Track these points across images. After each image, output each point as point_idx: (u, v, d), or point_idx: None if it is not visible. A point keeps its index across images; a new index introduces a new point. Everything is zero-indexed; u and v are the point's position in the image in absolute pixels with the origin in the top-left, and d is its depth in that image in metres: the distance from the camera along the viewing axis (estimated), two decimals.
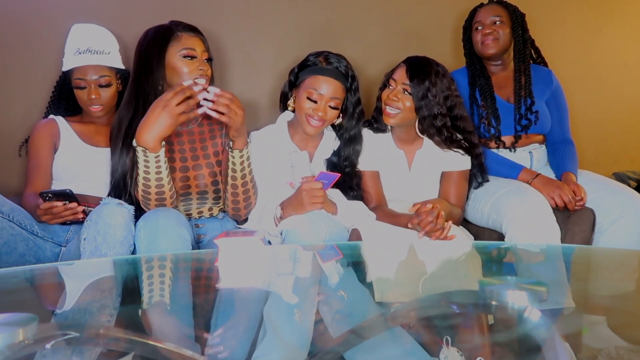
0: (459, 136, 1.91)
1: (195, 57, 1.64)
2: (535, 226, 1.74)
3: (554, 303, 1.02)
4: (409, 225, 1.68)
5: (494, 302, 0.92)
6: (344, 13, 2.31)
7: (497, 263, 1.45)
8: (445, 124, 1.85)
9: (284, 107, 1.87)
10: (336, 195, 1.73)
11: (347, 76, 1.77)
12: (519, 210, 1.76)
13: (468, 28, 2.18)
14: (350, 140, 1.85)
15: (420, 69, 1.82)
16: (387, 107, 1.85)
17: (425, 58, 1.88)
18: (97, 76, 1.79)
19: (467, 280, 1.27)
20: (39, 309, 1.05)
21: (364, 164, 1.90)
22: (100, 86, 1.80)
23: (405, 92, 1.82)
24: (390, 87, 1.86)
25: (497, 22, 2.08)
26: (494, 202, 1.88)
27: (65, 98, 1.91)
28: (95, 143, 1.83)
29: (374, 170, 1.92)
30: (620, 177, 2.42)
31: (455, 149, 1.91)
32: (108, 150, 1.72)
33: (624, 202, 1.89)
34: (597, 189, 1.96)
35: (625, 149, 2.70)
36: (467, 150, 1.93)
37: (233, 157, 1.58)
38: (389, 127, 1.94)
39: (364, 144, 1.90)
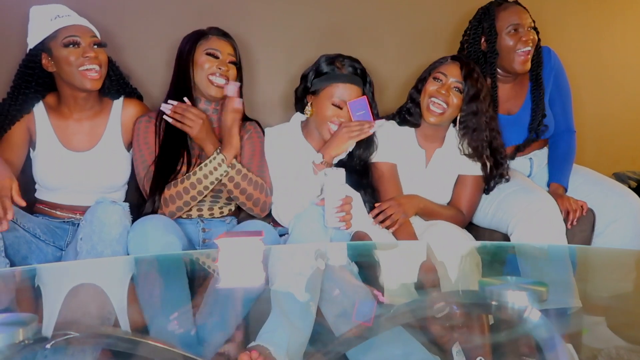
0: (487, 151, 1.81)
1: (218, 57, 1.70)
2: (543, 226, 1.69)
3: (557, 303, 1.02)
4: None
5: (494, 302, 0.92)
6: (355, 15, 2.28)
7: (499, 263, 1.44)
8: (486, 137, 1.77)
9: (299, 108, 1.85)
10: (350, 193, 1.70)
11: (364, 79, 1.78)
12: (526, 210, 1.71)
13: (490, 29, 1.88)
14: (365, 142, 1.79)
15: (473, 70, 1.74)
16: (433, 99, 1.74)
17: (472, 61, 1.79)
18: (90, 35, 1.60)
19: (467, 281, 1.27)
20: (39, 309, 1.05)
21: (381, 155, 1.81)
22: (96, 45, 1.60)
23: (456, 90, 1.73)
24: (439, 80, 1.75)
25: (531, 28, 1.87)
26: (499, 202, 1.83)
27: (33, 77, 1.64)
28: (75, 147, 1.67)
29: (392, 162, 1.82)
30: (621, 177, 2.41)
31: (477, 161, 1.82)
32: (90, 153, 1.67)
33: (619, 204, 1.85)
34: (593, 190, 1.92)
35: (626, 148, 2.69)
36: (486, 167, 1.83)
37: (207, 166, 1.62)
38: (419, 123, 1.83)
39: (384, 136, 1.82)
